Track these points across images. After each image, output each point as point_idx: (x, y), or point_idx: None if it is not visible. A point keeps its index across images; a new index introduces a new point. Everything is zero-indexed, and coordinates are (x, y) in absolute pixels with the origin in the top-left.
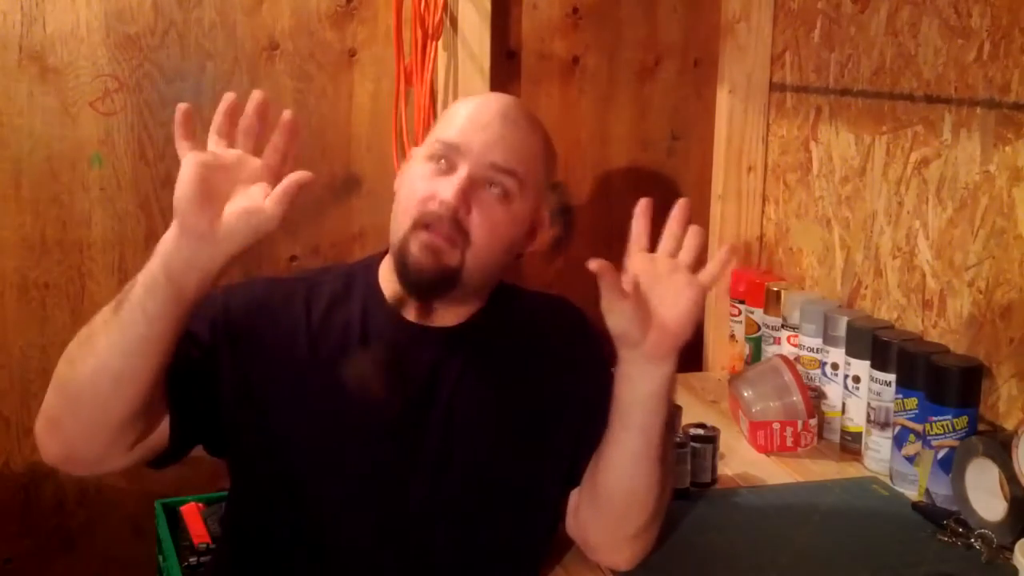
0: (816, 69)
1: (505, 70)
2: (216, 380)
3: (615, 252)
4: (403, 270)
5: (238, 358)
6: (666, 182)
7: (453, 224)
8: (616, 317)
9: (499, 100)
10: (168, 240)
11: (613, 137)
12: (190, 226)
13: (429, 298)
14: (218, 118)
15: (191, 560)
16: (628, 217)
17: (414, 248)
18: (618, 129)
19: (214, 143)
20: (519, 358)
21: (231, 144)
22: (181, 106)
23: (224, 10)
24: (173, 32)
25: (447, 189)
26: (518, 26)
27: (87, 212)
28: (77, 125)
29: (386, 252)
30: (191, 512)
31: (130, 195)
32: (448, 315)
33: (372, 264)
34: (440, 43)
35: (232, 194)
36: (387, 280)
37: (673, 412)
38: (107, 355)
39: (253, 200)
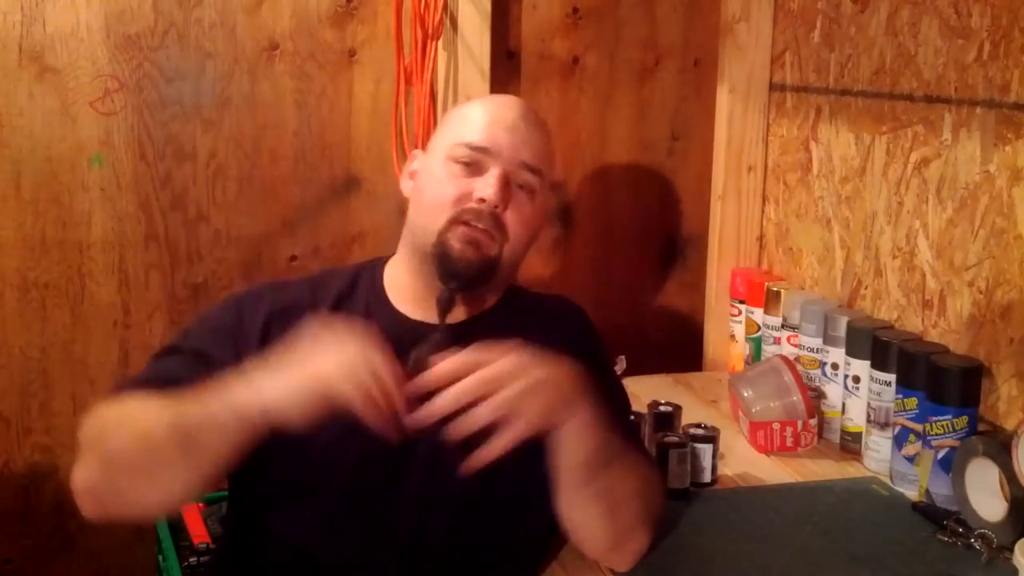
0: (816, 69)
1: (505, 70)
2: None
3: (614, 252)
4: (446, 262)
5: (243, 361)
6: (666, 182)
7: (493, 219)
8: None
9: (515, 102)
10: (264, 396)
11: (613, 137)
12: (295, 416)
13: (473, 287)
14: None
15: (191, 560)
16: (628, 217)
17: (455, 242)
18: (618, 129)
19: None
20: None
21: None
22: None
23: (224, 10)
24: (173, 32)
25: (485, 188)
26: (518, 26)
27: (87, 212)
28: (77, 125)
29: (390, 256)
30: (191, 512)
31: (130, 195)
32: (456, 311)
33: (377, 266)
34: (440, 43)
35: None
36: (393, 282)
37: (600, 448)
38: (167, 451)
39: None
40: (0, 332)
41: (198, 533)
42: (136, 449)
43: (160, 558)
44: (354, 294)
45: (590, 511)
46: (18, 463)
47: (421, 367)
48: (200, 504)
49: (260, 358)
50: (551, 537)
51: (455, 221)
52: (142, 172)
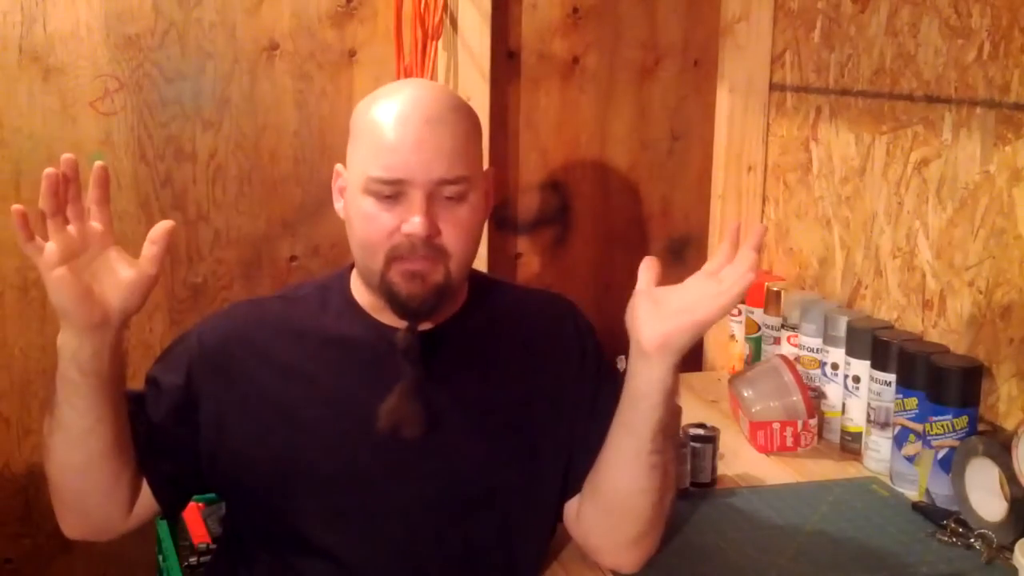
0: (816, 69)
1: (505, 70)
2: (195, 420)
3: (615, 252)
4: (394, 300)
5: (218, 387)
6: (666, 182)
7: (429, 248)
8: (629, 310)
9: (416, 104)
10: (67, 342)
11: (613, 137)
12: (82, 324)
13: (431, 316)
14: (46, 201)
15: (191, 560)
16: (628, 217)
17: (397, 279)
18: (618, 129)
19: (53, 229)
20: (506, 355)
21: (64, 218)
22: (16, 209)
23: (224, 10)
24: (173, 32)
25: (410, 223)
26: (518, 26)
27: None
28: (77, 125)
29: (351, 265)
30: (191, 512)
31: (130, 195)
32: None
33: (343, 275)
34: (440, 43)
35: (96, 271)
36: (361, 292)
37: (671, 422)
38: (63, 454)
39: (125, 271)
40: (0, 332)
41: (198, 533)
42: (45, 450)
43: (160, 558)
44: (326, 307)
45: (647, 483)
46: (18, 463)
47: (390, 421)
48: (200, 504)
49: (221, 379)
50: (550, 540)
51: (392, 259)
52: (142, 172)
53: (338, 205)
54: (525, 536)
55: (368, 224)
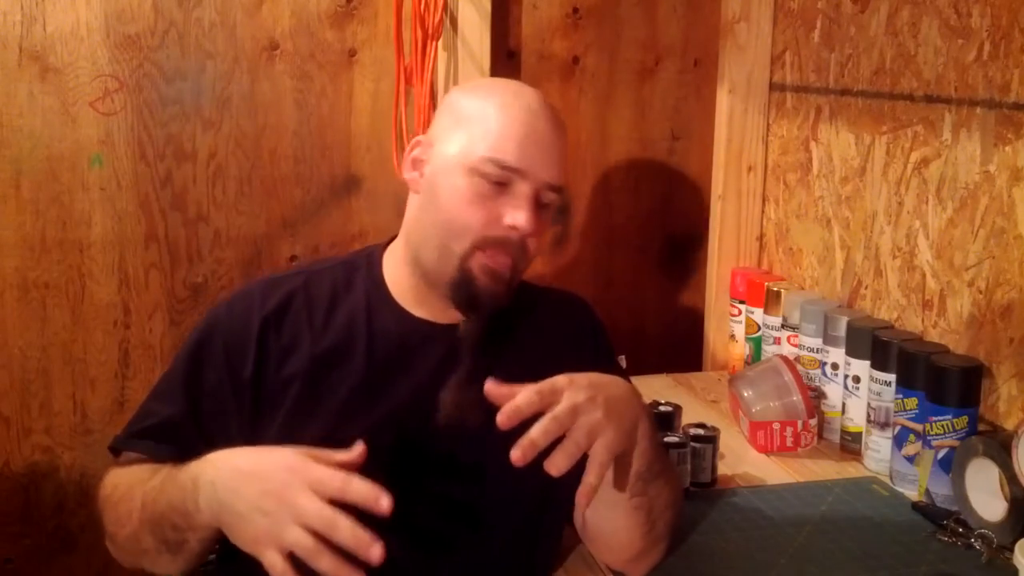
0: (816, 69)
1: (505, 70)
2: (226, 418)
3: (614, 252)
4: (469, 294)
5: (244, 377)
6: (666, 182)
7: (519, 247)
8: None
9: (542, 105)
10: (205, 520)
11: (613, 137)
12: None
13: (488, 314)
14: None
15: None
16: (628, 217)
17: (478, 271)
18: (618, 129)
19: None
20: (529, 353)
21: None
22: None
23: (224, 10)
24: (173, 32)
25: (517, 215)
26: (518, 26)
27: (87, 212)
28: (77, 125)
29: (387, 243)
30: None
31: (130, 195)
32: (451, 312)
33: (373, 255)
34: (440, 43)
35: None
36: (395, 277)
37: (653, 461)
38: (171, 564)
39: None
40: (0, 332)
41: None
42: (127, 549)
43: None
44: (351, 288)
45: (631, 521)
46: (18, 463)
47: (456, 411)
48: None
49: (248, 367)
50: (561, 538)
51: (479, 246)
52: (142, 172)
53: (410, 175)
54: (544, 535)
55: (467, 204)
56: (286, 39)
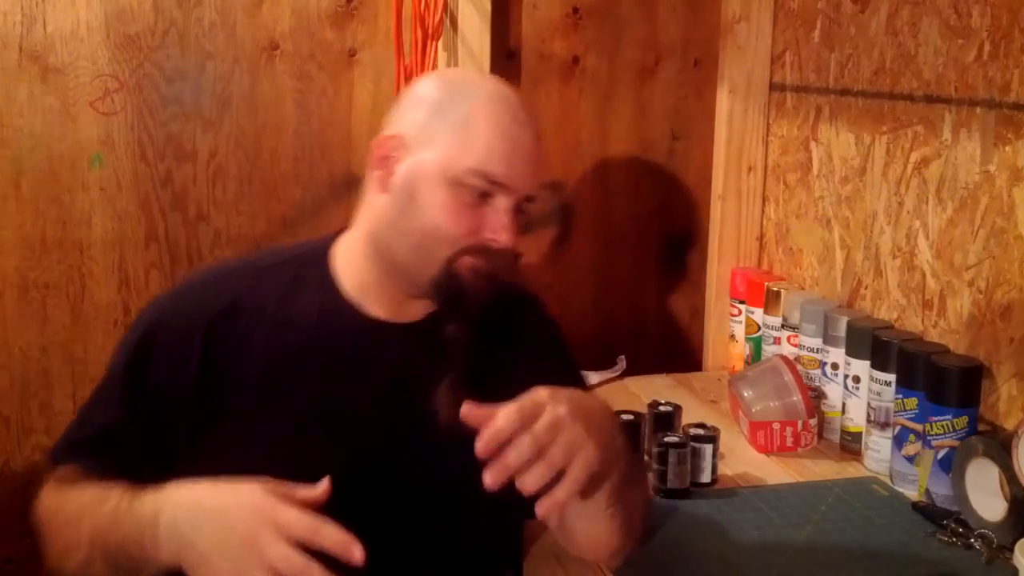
0: (816, 69)
1: (505, 70)
2: (169, 424)
3: (615, 252)
4: (449, 288)
5: (187, 381)
6: (666, 182)
7: (505, 260)
8: None
9: (524, 114)
10: (157, 554)
11: (613, 137)
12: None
13: (473, 315)
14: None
15: None
16: (628, 217)
17: (464, 270)
18: (618, 129)
19: None
20: (503, 356)
21: None
22: None
23: (224, 10)
24: (173, 32)
25: (499, 228)
26: (518, 26)
27: (87, 212)
28: (77, 125)
29: (334, 236)
30: None
31: (130, 195)
32: (413, 309)
33: (320, 251)
34: (440, 43)
35: None
36: (351, 274)
37: (627, 475)
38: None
39: None
40: (0, 332)
41: None
42: (72, 570)
43: None
44: (303, 287)
45: (609, 526)
46: (18, 463)
47: (450, 421)
48: None
49: (197, 370)
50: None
51: (467, 252)
52: (142, 172)
53: (377, 173)
54: (505, 536)
55: (451, 214)
56: (286, 39)
